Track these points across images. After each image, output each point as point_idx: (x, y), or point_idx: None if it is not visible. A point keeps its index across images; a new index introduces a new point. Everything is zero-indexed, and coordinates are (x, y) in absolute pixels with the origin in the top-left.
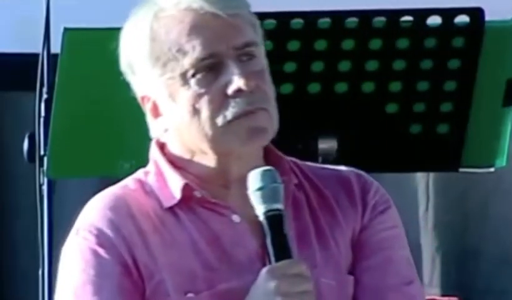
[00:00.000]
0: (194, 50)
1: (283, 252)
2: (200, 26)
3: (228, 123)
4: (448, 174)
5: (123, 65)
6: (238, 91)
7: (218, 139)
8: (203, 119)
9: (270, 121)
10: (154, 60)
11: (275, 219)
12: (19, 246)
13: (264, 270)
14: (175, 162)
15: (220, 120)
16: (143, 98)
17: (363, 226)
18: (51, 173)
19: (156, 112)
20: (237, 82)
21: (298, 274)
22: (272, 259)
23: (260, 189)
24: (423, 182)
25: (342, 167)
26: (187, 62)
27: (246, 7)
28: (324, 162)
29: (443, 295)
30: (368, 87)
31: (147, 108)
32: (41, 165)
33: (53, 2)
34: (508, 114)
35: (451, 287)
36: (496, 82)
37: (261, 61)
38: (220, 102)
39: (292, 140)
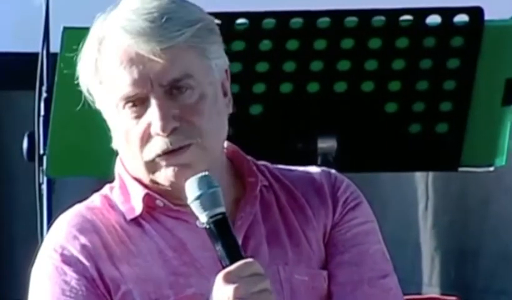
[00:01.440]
0: (122, 86)
1: (234, 254)
2: (128, 63)
3: (153, 160)
4: (448, 174)
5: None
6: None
7: (147, 173)
8: (133, 150)
9: (200, 154)
10: (98, 83)
11: (220, 224)
12: (18, 246)
13: (219, 276)
14: (136, 176)
15: (145, 156)
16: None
17: (334, 223)
18: (50, 172)
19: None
20: (155, 126)
21: (254, 274)
22: (226, 263)
23: (198, 197)
24: (422, 181)
25: (312, 168)
26: (116, 95)
27: (189, 29)
28: (323, 161)
29: (442, 295)
30: (367, 86)
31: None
32: (40, 164)
33: (52, 2)
34: (507, 113)
35: (451, 287)
36: (495, 82)
37: (198, 91)
38: (146, 138)
39: (292, 139)
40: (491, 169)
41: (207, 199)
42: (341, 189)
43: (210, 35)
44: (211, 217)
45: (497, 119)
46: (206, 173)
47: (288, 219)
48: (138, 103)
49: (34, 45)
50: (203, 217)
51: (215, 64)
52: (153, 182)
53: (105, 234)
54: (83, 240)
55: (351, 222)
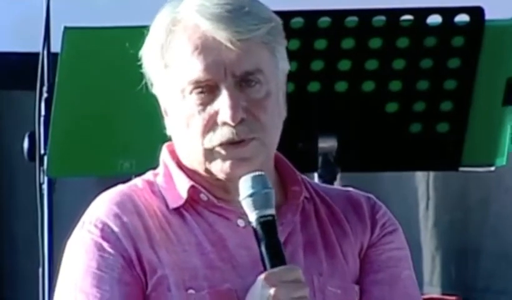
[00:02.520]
0: (193, 71)
1: (278, 258)
2: (203, 48)
3: (213, 148)
4: (448, 173)
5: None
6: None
7: (203, 161)
8: (193, 136)
9: (260, 149)
10: (163, 66)
11: (268, 225)
12: (19, 245)
13: (261, 277)
14: (183, 165)
15: (206, 143)
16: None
17: (371, 243)
18: (51, 172)
19: (166, 112)
20: (224, 114)
21: (295, 280)
22: (267, 265)
23: (251, 195)
24: (423, 181)
25: (351, 189)
26: (185, 79)
27: (265, 25)
28: (324, 161)
29: (443, 294)
30: (368, 86)
31: (161, 104)
32: (41, 164)
33: (53, 2)
34: (508, 113)
35: (451, 286)
36: (496, 81)
37: (265, 87)
38: (210, 125)
39: (292, 139)
40: (492, 168)
41: (260, 199)
42: (380, 212)
43: (279, 36)
44: (260, 217)
45: (498, 119)
46: (263, 173)
47: (325, 232)
48: (206, 90)
49: (34, 45)
50: (252, 216)
51: (281, 66)
52: (207, 171)
53: (146, 217)
54: (124, 219)
55: (387, 245)
